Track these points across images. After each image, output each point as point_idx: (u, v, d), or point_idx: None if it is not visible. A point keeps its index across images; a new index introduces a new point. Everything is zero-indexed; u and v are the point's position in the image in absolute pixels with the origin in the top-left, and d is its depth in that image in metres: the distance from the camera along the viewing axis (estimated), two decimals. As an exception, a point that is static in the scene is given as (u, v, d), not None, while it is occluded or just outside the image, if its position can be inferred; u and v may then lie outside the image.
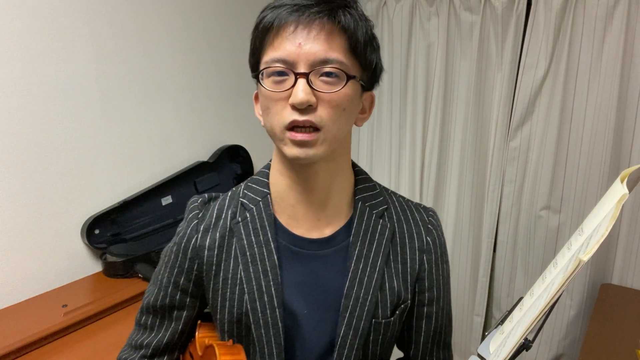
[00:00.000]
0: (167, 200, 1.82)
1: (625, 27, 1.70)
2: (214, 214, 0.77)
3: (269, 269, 0.72)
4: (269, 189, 0.77)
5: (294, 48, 0.64)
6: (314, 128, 0.65)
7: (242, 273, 0.73)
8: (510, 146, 2.02)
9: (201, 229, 0.76)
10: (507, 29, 1.92)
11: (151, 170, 1.81)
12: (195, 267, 0.76)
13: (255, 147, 2.15)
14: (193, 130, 1.96)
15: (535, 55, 1.89)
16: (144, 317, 0.82)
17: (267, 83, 0.66)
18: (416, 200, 2.21)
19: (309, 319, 0.74)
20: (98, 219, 1.60)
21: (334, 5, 0.65)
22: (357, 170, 0.81)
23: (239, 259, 0.74)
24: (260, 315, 0.72)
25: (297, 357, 0.74)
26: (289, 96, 0.64)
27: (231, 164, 2.09)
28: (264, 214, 0.75)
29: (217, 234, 0.76)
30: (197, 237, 0.76)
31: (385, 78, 2.19)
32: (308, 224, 0.75)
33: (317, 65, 0.64)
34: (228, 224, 0.76)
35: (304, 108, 0.64)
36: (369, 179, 0.81)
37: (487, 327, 2.25)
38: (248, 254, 0.73)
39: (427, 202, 2.22)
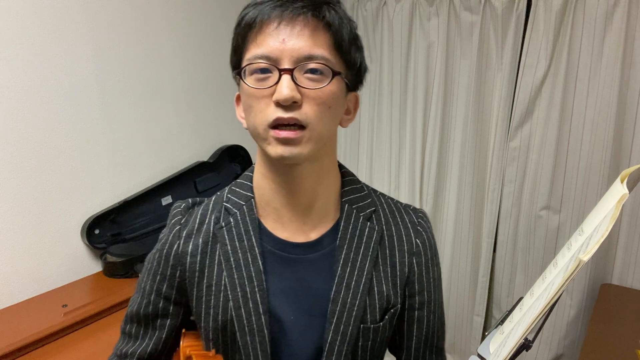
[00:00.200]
0: (167, 200, 1.82)
1: (625, 27, 1.70)
2: (197, 220, 0.76)
3: (253, 274, 0.71)
4: (253, 193, 0.75)
5: (277, 44, 0.62)
6: (299, 126, 0.63)
7: (227, 279, 0.71)
8: (510, 146, 2.02)
9: (183, 235, 0.75)
10: (507, 29, 1.92)
11: (151, 170, 1.81)
12: (177, 274, 0.74)
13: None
14: (193, 130, 1.96)
15: (535, 55, 1.89)
16: (128, 326, 0.80)
17: (250, 80, 0.64)
18: (416, 200, 2.22)
19: (296, 325, 0.72)
20: (98, 219, 1.60)
21: (317, 1, 0.64)
22: (343, 172, 0.78)
23: (223, 265, 0.72)
24: (245, 322, 0.70)
25: None
26: (273, 93, 0.62)
27: (231, 164, 2.09)
28: (247, 218, 0.73)
29: (200, 240, 0.74)
30: (179, 244, 0.74)
31: (385, 78, 2.20)
32: (294, 228, 0.73)
33: (302, 61, 0.62)
34: (211, 229, 0.74)
35: (288, 105, 0.62)
36: (356, 181, 0.79)
37: (487, 327, 2.25)
38: (232, 259, 0.72)
39: (427, 202, 2.22)
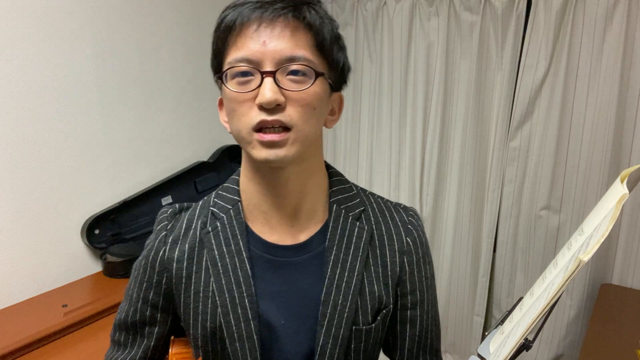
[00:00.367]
0: (167, 200, 1.82)
1: (625, 27, 1.70)
2: (184, 225, 0.75)
3: (241, 279, 0.69)
4: (239, 197, 0.74)
5: (258, 46, 0.61)
6: (283, 128, 0.62)
7: (214, 285, 0.70)
8: (510, 146, 2.02)
9: (169, 240, 0.74)
10: (507, 29, 1.92)
11: (151, 170, 1.81)
12: (164, 281, 0.73)
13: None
14: (193, 130, 1.96)
15: (535, 55, 1.89)
16: (117, 334, 0.79)
17: (232, 84, 0.63)
18: (416, 200, 2.22)
19: (287, 330, 0.71)
20: (98, 219, 1.60)
21: (297, 1, 0.63)
22: (331, 172, 0.77)
23: (210, 271, 0.71)
24: (234, 328, 0.69)
25: None
26: (255, 96, 0.62)
27: (231, 164, 2.09)
28: (234, 222, 0.72)
29: (187, 246, 0.73)
30: (165, 250, 0.73)
31: (385, 78, 2.20)
32: (282, 231, 0.72)
33: (284, 63, 0.61)
34: (198, 234, 0.73)
35: (272, 108, 0.61)
36: (345, 181, 0.78)
37: (487, 327, 2.25)
38: (219, 264, 0.70)
39: (427, 202, 2.22)
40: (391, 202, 0.80)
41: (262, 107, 0.61)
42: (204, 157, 2.01)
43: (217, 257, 0.71)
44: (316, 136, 0.68)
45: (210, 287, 0.70)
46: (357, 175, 2.40)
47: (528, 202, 2.02)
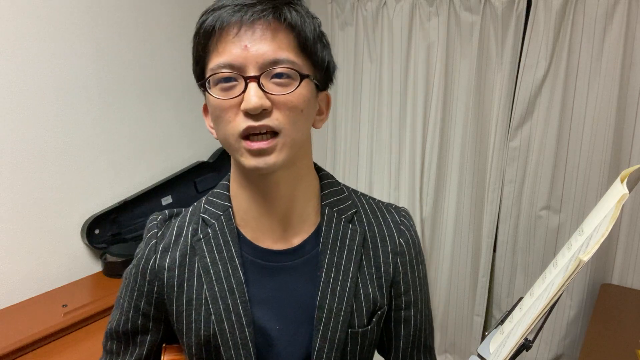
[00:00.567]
0: (167, 200, 1.82)
1: (625, 27, 1.70)
2: (174, 232, 0.73)
3: (235, 286, 0.69)
4: (230, 202, 0.73)
5: (239, 51, 0.60)
6: (271, 133, 0.61)
7: (207, 292, 0.69)
8: (510, 146, 2.02)
9: (160, 248, 0.73)
10: (507, 29, 1.92)
11: (151, 170, 1.81)
12: (155, 290, 0.72)
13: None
14: (193, 130, 1.96)
15: (535, 55, 1.89)
16: (109, 343, 0.78)
17: (215, 91, 0.62)
18: (416, 200, 2.22)
19: (282, 335, 0.70)
20: (98, 219, 1.60)
21: (277, 2, 0.62)
22: (322, 175, 0.77)
23: (203, 278, 0.70)
24: (229, 336, 0.68)
25: None
26: (240, 102, 0.60)
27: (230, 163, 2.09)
28: (226, 228, 0.71)
29: (178, 253, 0.72)
30: (155, 258, 0.72)
31: (385, 78, 2.20)
32: (274, 236, 0.71)
33: (267, 67, 0.60)
34: (189, 241, 0.72)
35: (258, 113, 0.60)
36: (336, 183, 0.77)
37: (487, 327, 2.25)
38: (212, 271, 0.69)
39: (427, 202, 2.22)
40: (382, 203, 0.80)
41: (248, 113, 0.60)
42: (204, 157, 2.01)
43: (209, 264, 0.70)
44: (305, 138, 0.68)
45: (203, 295, 0.70)
46: (357, 175, 2.40)
47: (528, 202, 2.02)
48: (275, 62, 0.60)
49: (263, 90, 0.60)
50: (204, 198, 0.77)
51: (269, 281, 0.71)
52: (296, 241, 0.72)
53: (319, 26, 0.67)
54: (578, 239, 0.56)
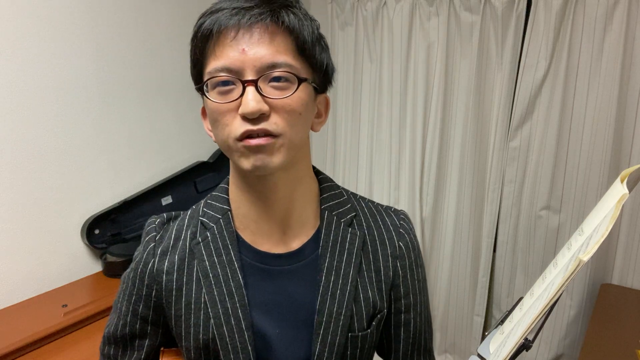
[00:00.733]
0: (167, 200, 1.82)
1: (625, 27, 1.70)
2: (173, 236, 0.73)
3: (234, 290, 0.68)
4: (229, 206, 0.72)
5: (237, 54, 0.60)
6: (271, 136, 0.61)
7: (206, 296, 0.69)
8: (510, 146, 2.02)
9: (158, 252, 0.72)
10: (507, 29, 1.92)
11: (151, 170, 1.81)
12: (153, 294, 0.72)
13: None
14: (193, 130, 1.96)
15: (535, 55, 1.89)
16: (106, 347, 0.78)
17: (213, 95, 0.62)
18: (416, 200, 2.22)
19: (281, 339, 0.70)
20: (98, 219, 1.60)
21: (275, 5, 0.61)
22: (321, 178, 0.76)
23: (202, 282, 0.69)
24: (228, 340, 0.68)
25: None
26: (238, 106, 0.60)
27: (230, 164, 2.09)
28: (225, 232, 0.71)
29: (176, 257, 0.71)
30: (154, 261, 0.72)
31: (385, 78, 2.20)
32: (273, 239, 0.71)
33: (265, 71, 0.60)
34: (188, 244, 0.71)
35: (256, 117, 0.59)
36: (335, 186, 0.77)
37: (487, 327, 2.25)
38: (211, 275, 0.69)
39: (427, 202, 2.22)
40: (381, 206, 0.80)
41: (246, 117, 0.60)
42: (204, 157, 2.01)
43: (208, 267, 0.70)
44: (303, 141, 0.67)
45: (202, 299, 0.69)
46: (357, 175, 2.40)
47: (528, 202, 2.02)
48: (273, 66, 0.60)
49: (261, 94, 0.60)
50: (202, 201, 0.76)
51: (268, 285, 0.70)
52: (295, 245, 0.72)
53: (318, 28, 0.66)
54: (578, 239, 0.56)
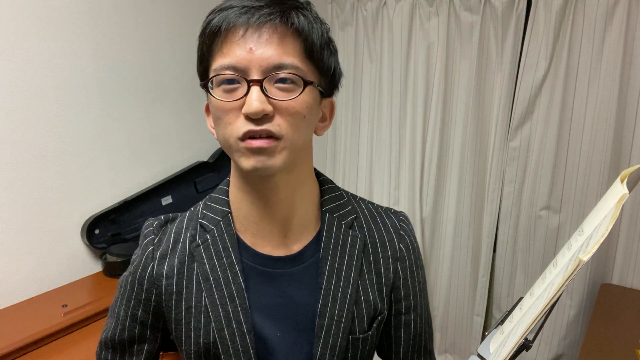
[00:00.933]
0: (167, 200, 1.82)
1: (625, 27, 1.70)
2: (172, 238, 0.72)
3: (235, 293, 0.68)
4: (229, 207, 0.72)
5: (244, 53, 0.59)
6: (273, 138, 0.60)
7: (207, 300, 0.68)
8: (510, 146, 2.02)
9: (157, 255, 0.71)
10: (507, 29, 1.92)
11: (151, 170, 1.81)
12: (153, 298, 0.71)
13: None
14: (193, 130, 1.96)
15: (535, 55, 1.89)
16: (103, 353, 0.77)
17: (217, 92, 0.61)
18: (416, 200, 2.22)
19: (283, 342, 0.69)
20: (98, 219, 1.60)
21: (285, 6, 0.61)
22: (322, 180, 0.75)
23: (202, 285, 0.68)
24: (229, 343, 0.67)
25: None
26: (242, 105, 0.59)
27: (230, 164, 2.09)
28: (225, 234, 0.70)
29: (176, 260, 0.70)
30: (153, 265, 0.71)
31: (385, 78, 2.20)
32: (274, 241, 0.71)
33: (271, 71, 0.59)
34: (187, 247, 0.71)
35: (259, 118, 0.59)
36: (336, 188, 0.76)
37: (487, 327, 2.25)
38: (211, 278, 0.68)
39: (427, 202, 2.22)
40: (381, 207, 0.80)
41: (249, 117, 0.59)
42: (204, 157, 2.01)
43: (209, 270, 0.69)
44: (305, 144, 0.67)
45: (203, 302, 0.69)
46: (357, 175, 2.40)
47: (528, 202, 2.02)
48: (280, 67, 0.59)
49: (266, 95, 0.59)
50: (201, 203, 0.76)
51: (269, 288, 0.70)
52: (296, 247, 0.71)
53: (327, 32, 0.66)
54: (578, 239, 0.56)
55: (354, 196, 0.79)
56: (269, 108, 0.59)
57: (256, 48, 0.59)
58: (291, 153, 0.63)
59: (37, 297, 1.45)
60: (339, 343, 0.69)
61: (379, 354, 0.83)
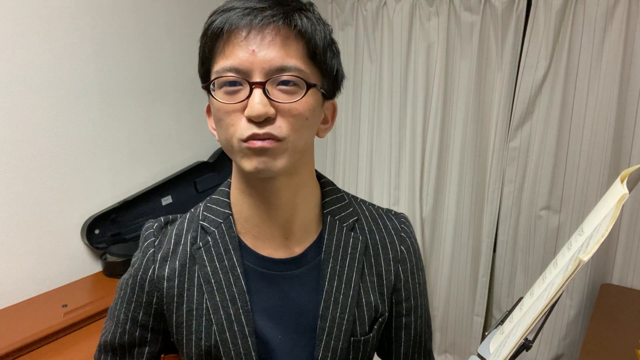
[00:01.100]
0: (167, 200, 1.82)
1: (625, 27, 1.70)
2: (172, 240, 0.72)
3: (236, 295, 0.68)
4: (230, 209, 0.71)
5: (247, 55, 0.58)
6: (275, 140, 0.60)
7: (208, 302, 0.68)
8: (510, 146, 2.02)
9: (158, 258, 0.71)
10: (507, 29, 1.92)
11: (151, 170, 1.81)
12: (154, 301, 0.71)
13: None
14: (193, 130, 1.96)
15: (535, 55, 1.89)
16: (102, 356, 0.76)
17: (219, 94, 0.61)
18: (416, 200, 2.22)
19: (284, 345, 0.69)
20: (98, 219, 1.60)
21: (289, 8, 0.60)
22: (323, 182, 0.75)
23: (204, 288, 0.68)
24: (231, 346, 0.67)
25: None
26: (244, 108, 0.59)
27: (231, 164, 2.09)
28: (227, 236, 0.70)
29: (177, 263, 0.70)
30: (154, 268, 0.70)
31: (385, 78, 2.20)
32: (276, 244, 0.70)
33: (274, 74, 0.59)
34: (188, 250, 0.70)
35: (262, 120, 0.59)
36: (337, 190, 0.76)
37: (487, 327, 2.25)
38: (213, 281, 0.68)
39: (427, 202, 2.22)
40: (382, 209, 0.80)
41: (251, 120, 0.59)
42: (204, 157, 2.01)
43: (210, 273, 0.69)
44: (307, 147, 0.67)
45: (204, 305, 0.68)
46: (357, 175, 2.40)
47: (528, 202, 2.02)
48: (282, 69, 0.59)
49: (268, 97, 0.59)
50: (201, 204, 0.75)
51: (270, 290, 0.70)
52: (298, 250, 0.71)
53: (330, 33, 0.65)
54: (578, 239, 0.56)
55: (355, 198, 0.79)
56: (272, 111, 0.59)
57: (259, 50, 0.59)
58: (293, 155, 0.62)
59: (37, 297, 1.45)
60: (340, 345, 0.69)
61: (378, 355, 0.83)
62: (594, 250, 0.48)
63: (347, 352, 0.70)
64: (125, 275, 0.75)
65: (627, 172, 0.53)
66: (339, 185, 0.79)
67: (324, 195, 0.74)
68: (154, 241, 0.72)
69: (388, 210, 0.80)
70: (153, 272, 0.70)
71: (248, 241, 0.71)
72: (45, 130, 1.46)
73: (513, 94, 1.97)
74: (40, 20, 1.41)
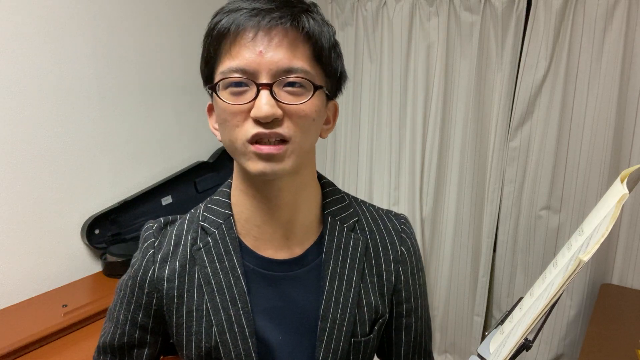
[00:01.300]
0: (167, 200, 1.82)
1: (625, 27, 1.70)
2: (172, 241, 0.71)
3: (237, 296, 0.67)
4: (231, 210, 0.71)
5: (254, 56, 0.58)
6: (281, 140, 0.60)
7: (208, 303, 0.68)
8: (510, 146, 2.02)
9: (158, 259, 0.70)
10: (507, 29, 1.92)
11: (151, 170, 1.81)
12: (154, 302, 0.70)
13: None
14: (193, 130, 1.96)
15: (535, 55, 1.89)
16: (101, 357, 0.76)
17: (225, 95, 0.60)
18: (416, 200, 2.22)
19: (285, 346, 0.69)
20: (98, 219, 1.60)
21: (295, 10, 0.60)
22: (323, 183, 0.75)
23: (204, 289, 0.68)
24: (231, 347, 0.67)
25: None
26: (250, 109, 0.59)
27: (231, 164, 2.08)
28: (227, 237, 0.69)
29: (177, 263, 0.70)
30: (154, 269, 0.70)
31: (385, 78, 2.20)
32: (276, 244, 0.70)
33: (281, 75, 0.59)
34: (188, 250, 0.70)
35: (269, 122, 0.58)
36: (337, 191, 0.76)
37: (487, 327, 2.25)
38: (213, 282, 0.68)
39: (427, 202, 2.22)
40: (382, 210, 0.80)
41: (258, 120, 0.59)
42: (204, 157, 2.01)
43: (210, 274, 0.68)
44: (311, 147, 0.67)
45: (204, 306, 0.68)
46: (357, 175, 2.40)
47: (528, 202, 2.02)
48: (289, 71, 0.59)
49: (275, 99, 0.59)
50: (202, 205, 0.75)
51: (270, 291, 0.70)
52: (298, 250, 0.71)
53: (334, 34, 0.66)
54: (578, 239, 0.56)
55: (355, 199, 0.79)
56: (279, 112, 0.59)
57: (266, 51, 0.59)
58: (299, 156, 0.62)
59: (37, 297, 1.45)
60: (340, 346, 0.69)
61: (378, 356, 0.83)
62: (594, 250, 0.48)
63: (347, 353, 0.70)
64: (125, 276, 0.74)
65: (627, 172, 0.53)
66: (339, 186, 0.79)
67: (324, 196, 0.74)
68: (154, 242, 0.72)
69: (388, 211, 0.80)
70: (153, 273, 0.70)
71: (248, 242, 0.71)
72: (45, 130, 1.46)
73: (513, 94, 1.97)
74: (40, 20, 1.41)
